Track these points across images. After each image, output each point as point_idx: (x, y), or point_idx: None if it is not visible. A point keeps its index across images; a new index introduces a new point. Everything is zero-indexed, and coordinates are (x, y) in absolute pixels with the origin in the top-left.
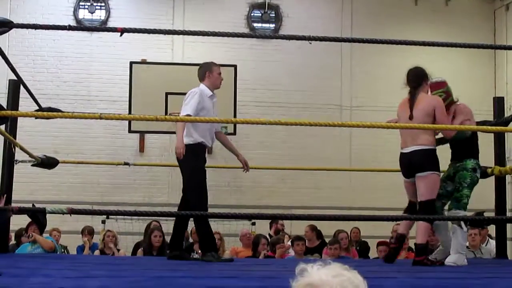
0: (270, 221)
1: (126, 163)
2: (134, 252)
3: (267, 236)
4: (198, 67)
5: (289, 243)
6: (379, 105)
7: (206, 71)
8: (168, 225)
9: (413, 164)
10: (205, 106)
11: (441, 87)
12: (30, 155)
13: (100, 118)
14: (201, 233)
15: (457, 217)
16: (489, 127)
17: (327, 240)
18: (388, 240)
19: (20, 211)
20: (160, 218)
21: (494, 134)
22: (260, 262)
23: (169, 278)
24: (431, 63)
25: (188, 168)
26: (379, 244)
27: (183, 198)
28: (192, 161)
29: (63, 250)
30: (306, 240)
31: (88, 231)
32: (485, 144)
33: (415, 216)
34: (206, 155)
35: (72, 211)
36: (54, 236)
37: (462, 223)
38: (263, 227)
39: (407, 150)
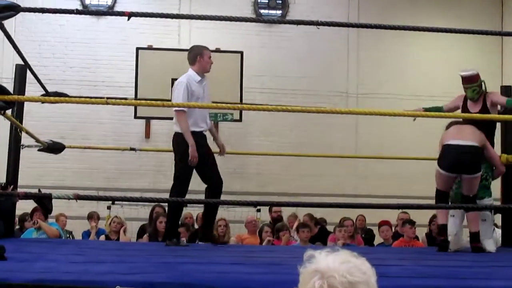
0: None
1: (132, 149)
2: (140, 236)
3: (269, 224)
4: None
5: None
6: (385, 92)
7: (197, 55)
8: None
9: (464, 161)
10: (194, 93)
11: (475, 81)
12: (37, 140)
13: (107, 103)
14: (171, 219)
15: (482, 205)
16: (497, 116)
17: (330, 228)
18: (388, 220)
19: (26, 196)
20: (166, 204)
21: (501, 123)
22: (265, 249)
23: (174, 264)
24: (438, 51)
25: (177, 155)
26: (381, 224)
27: (207, 188)
28: (180, 149)
29: (68, 236)
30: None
31: (95, 216)
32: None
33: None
34: (213, 141)
35: (78, 197)
36: (61, 221)
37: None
38: (267, 214)
39: (457, 142)
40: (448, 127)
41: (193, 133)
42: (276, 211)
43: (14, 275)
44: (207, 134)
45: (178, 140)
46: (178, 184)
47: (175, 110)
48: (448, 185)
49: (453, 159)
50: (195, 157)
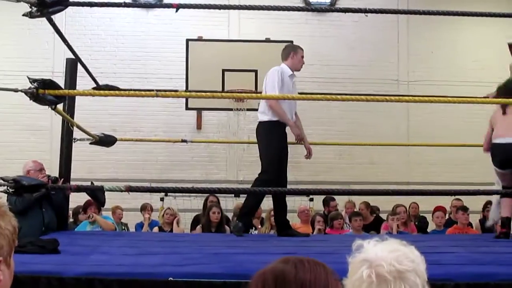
0: (324, 198)
1: (183, 140)
2: (193, 226)
3: (323, 214)
4: (253, 43)
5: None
6: (436, 79)
7: (291, 52)
8: (226, 202)
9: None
10: (285, 84)
11: None
12: (88, 133)
13: (156, 96)
14: (247, 205)
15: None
16: None
17: (383, 216)
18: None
19: (78, 189)
20: (219, 194)
21: None
22: (318, 238)
23: (226, 255)
24: (489, 36)
25: (263, 145)
26: (435, 210)
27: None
28: (267, 138)
29: (123, 228)
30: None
31: (148, 208)
32: None
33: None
34: None
35: (129, 189)
36: (117, 214)
37: None
38: (320, 204)
39: (505, 140)
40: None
41: (277, 123)
42: (334, 206)
43: (67, 269)
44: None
45: (264, 129)
46: (266, 172)
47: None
48: (508, 179)
49: (501, 157)
50: (299, 134)
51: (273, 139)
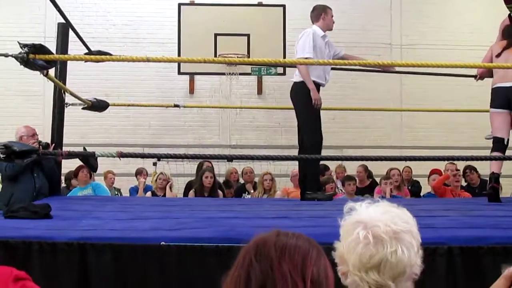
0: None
1: (176, 105)
2: (186, 192)
3: None
4: (246, 7)
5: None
6: (429, 43)
7: (321, 13)
8: (219, 166)
9: None
10: (317, 45)
11: None
12: (80, 98)
13: (148, 60)
14: (310, 172)
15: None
16: None
17: (377, 180)
18: (439, 169)
19: (70, 155)
20: (212, 159)
21: None
22: (311, 202)
23: (218, 219)
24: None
25: (301, 107)
26: (431, 173)
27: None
28: (305, 100)
29: (116, 193)
30: (357, 180)
31: (144, 173)
32: None
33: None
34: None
35: (121, 155)
36: (109, 179)
37: None
38: None
39: (506, 84)
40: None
41: (316, 85)
42: (329, 175)
43: (59, 234)
44: None
45: (298, 89)
46: (310, 133)
47: (299, 58)
48: (504, 127)
49: (501, 98)
50: (317, 99)
51: (308, 99)
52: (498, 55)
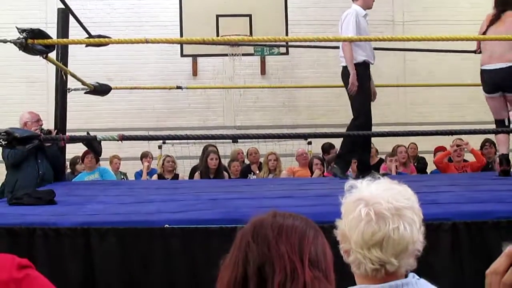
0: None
1: (179, 87)
2: (191, 175)
3: (322, 157)
4: None
5: None
6: (431, 18)
7: None
8: (224, 148)
9: (502, 82)
10: (361, 25)
11: None
12: (83, 82)
13: (146, 42)
14: (344, 149)
15: None
16: None
17: (383, 157)
18: (443, 146)
19: (72, 139)
20: (216, 141)
21: None
22: (316, 181)
23: (223, 200)
24: None
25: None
26: (436, 150)
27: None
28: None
29: (122, 177)
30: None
31: (149, 156)
32: None
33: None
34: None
35: (123, 138)
36: (114, 163)
37: None
38: (319, 147)
39: (492, 67)
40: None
41: (367, 64)
42: (334, 152)
43: (63, 219)
44: None
45: (346, 74)
46: (359, 117)
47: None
48: (501, 109)
49: (489, 83)
50: (355, 85)
51: (362, 81)
52: (484, 33)
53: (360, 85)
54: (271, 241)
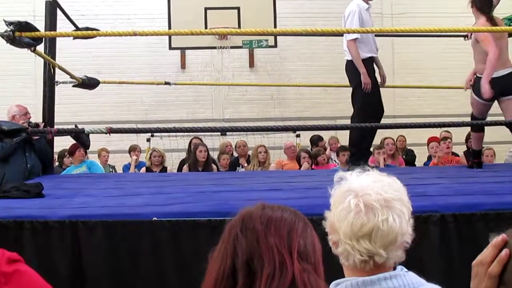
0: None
1: (167, 83)
2: (180, 168)
3: (310, 151)
4: None
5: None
6: (420, 11)
7: None
8: (213, 141)
9: (505, 88)
10: (364, 20)
11: None
12: (71, 75)
13: (135, 34)
14: (353, 139)
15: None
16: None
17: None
18: (436, 136)
19: (59, 132)
20: (205, 134)
21: None
22: (305, 174)
23: (211, 193)
24: None
25: (352, 84)
26: (429, 141)
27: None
28: (355, 77)
29: (110, 170)
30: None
31: (137, 149)
32: None
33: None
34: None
35: (111, 131)
36: (103, 156)
37: None
38: (307, 139)
39: (498, 74)
40: None
41: (371, 59)
42: (322, 145)
43: (51, 212)
44: None
45: (351, 68)
46: (360, 112)
47: (348, 40)
48: (484, 113)
49: (495, 90)
50: (368, 83)
51: (359, 77)
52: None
53: (358, 80)
54: (260, 233)
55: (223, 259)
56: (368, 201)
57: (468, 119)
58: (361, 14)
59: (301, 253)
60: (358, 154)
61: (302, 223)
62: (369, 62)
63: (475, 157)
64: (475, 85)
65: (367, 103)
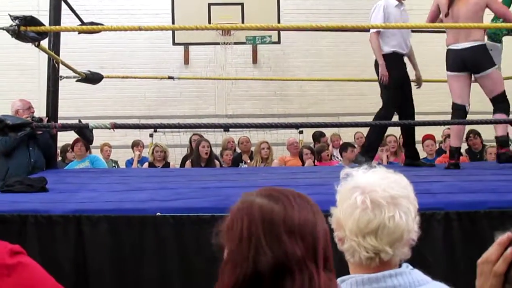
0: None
1: (170, 77)
2: (183, 164)
3: (312, 147)
4: None
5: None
6: (426, 8)
7: None
8: (215, 137)
9: (469, 62)
10: (390, 15)
11: None
12: (74, 70)
13: (140, 29)
14: (369, 139)
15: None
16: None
17: None
18: (432, 134)
19: (64, 127)
20: (208, 130)
21: None
22: (308, 170)
23: (214, 189)
24: None
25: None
26: (424, 139)
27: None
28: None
29: (113, 165)
30: (358, 147)
31: (141, 145)
32: None
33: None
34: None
35: (115, 126)
36: (105, 151)
37: None
38: (310, 136)
39: (459, 46)
40: None
41: (396, 55)
42: (324, 141)
43: (55, 207)
44: None
45: (378, 64)
46: (384, 108)
47: (370, 32)
48: (464, 92)
49: (456, 60)
50: (384, 75)
51: (389, 73)
52: (446, 14)
53: (388, 76)
54: (288, 246)
55: (243, 262)
56: (375, 198)
57: (473, 116)
58: (387, 8)
59: (325, 261)
60: (369, 147)
61: (320, 221)
62: (394, 57)
63: (452, 156)
64: (446, 59)
65: (392, 98)
